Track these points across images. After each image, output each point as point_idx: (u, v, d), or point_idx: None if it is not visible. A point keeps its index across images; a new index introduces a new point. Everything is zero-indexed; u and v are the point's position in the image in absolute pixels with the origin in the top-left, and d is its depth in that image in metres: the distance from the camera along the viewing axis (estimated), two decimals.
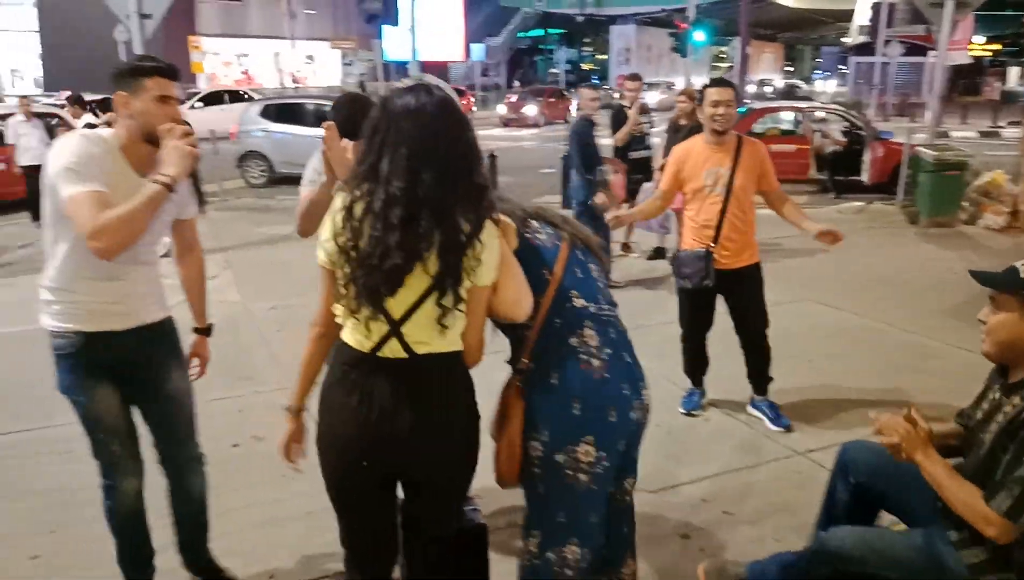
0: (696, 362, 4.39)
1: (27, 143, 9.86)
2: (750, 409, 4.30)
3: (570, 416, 2.03)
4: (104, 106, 8.65)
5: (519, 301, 2.02)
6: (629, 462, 2.27)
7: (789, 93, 37.83)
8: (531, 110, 30.10)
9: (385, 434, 1.88)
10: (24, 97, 10.83)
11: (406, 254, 1.77)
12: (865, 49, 35.79)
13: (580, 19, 53.54)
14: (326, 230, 1.87)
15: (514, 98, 31.65)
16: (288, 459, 2.17)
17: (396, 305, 1.84)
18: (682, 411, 4.34)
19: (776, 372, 4.42)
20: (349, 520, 2.09)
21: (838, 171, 12.52)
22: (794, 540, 3.09)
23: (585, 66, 68.95)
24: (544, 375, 2.06)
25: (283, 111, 13.70)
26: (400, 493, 2.12)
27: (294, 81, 36.26)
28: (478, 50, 49.98)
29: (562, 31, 63.41)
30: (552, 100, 31.53)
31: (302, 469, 2.19)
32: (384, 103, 1.86)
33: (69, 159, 2.22)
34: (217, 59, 38.97)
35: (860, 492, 2.50)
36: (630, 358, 2.17)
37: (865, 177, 11.92)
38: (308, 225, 2.68)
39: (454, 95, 1.93)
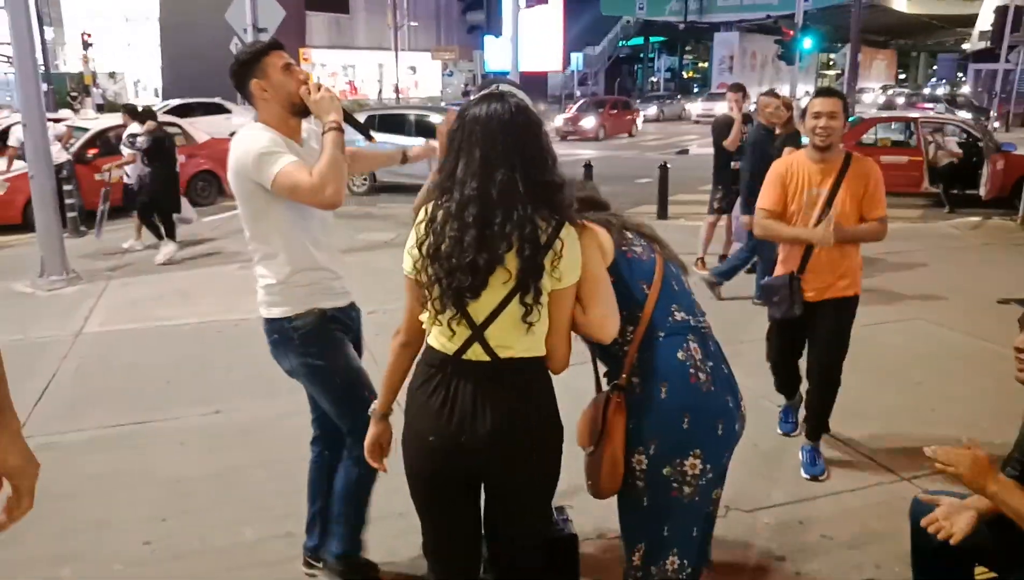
0: (788, 379, 4.11)
1: None
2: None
3: (680, 430, 2.03)
4: (143, 117, 9.17)
5: (605, 323, 2.03)
6: (724, 473, 2.26)
7: (952, 100, 30.51)
8: (589, 122, 27.18)
9: (466, 437, 1.92)
10: (147, 108, 11.48)
11: (484, 252, 1.82)
12: (986, 55, 33.88)
13: (681, 27, 52.77)
14: (412, 237, 1.94)
15: (574, 109, 28.82)
16: (374, 460, 2.23)
17: (480, 309, 1.89)
18: (779, 433, 4.19)
19: (884, 392, 4.24)
20: (430, 523, 2.13)
21: (953, 184, 11.89)
22: (895, 569, 2.97)
23: (686, 74, 67.96)
24: (651, 389, 2.05)
25: (385, 121, 14.07)
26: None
27: (396, 92, 37.17)
28: (577, 59, 50.03)
29: (663, 39, 62.70)
30: (615, 111, 28.62)
31: (387, 468, 2.25)
32: (461, 112, 1.94)
33: (257, 149, 2.44)
34: (324, 70, 40.45)
35: (945, 549, 2.19)
36: (727, 370, 2.17)
37: (982, 191, 11.27)
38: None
39: (528, 100, 1.99)
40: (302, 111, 2.56)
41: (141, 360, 5.49)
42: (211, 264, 8.41)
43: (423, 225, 1.91)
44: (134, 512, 3.48)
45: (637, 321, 2.06)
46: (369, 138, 2.96)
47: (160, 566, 3.10)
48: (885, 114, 17.78)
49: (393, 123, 13.94)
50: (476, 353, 1.92)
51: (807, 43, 22.60)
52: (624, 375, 2.08)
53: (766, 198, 3.65)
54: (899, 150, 12.40)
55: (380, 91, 39.41)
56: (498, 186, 1.83)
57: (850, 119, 14.90)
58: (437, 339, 1.96)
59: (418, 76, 45.12)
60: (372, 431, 2.21)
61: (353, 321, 2.82)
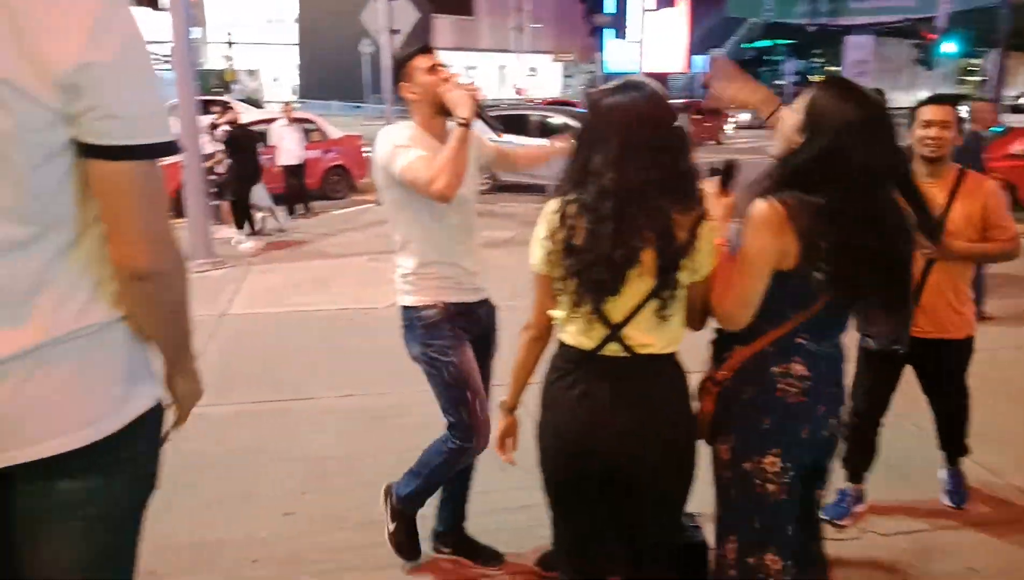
0: (861, 448, 3.37)
1: (288, 145, 11.02)
2: (940, 472, 3.61)
3: (758, 429, 2.02)
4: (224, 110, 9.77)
5: (730, 320, 1.99)
6: (819, 475, 2.22)
7: None
8: None
9: (603, 431, 1.93)
10: (287, 103, 12.13)
11: (621, 247, 1.80)
12: None
13: (811, 29, 50.89)
14: (541, 232, 1.94)
15: None
16: (502, 452, 2.28)
17: (617, 305, 1.88)
18: (823, 517, 2.89)
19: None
20: (561, 519, 2.14)
21: None
22: None
23: (814, 78, 65.39)
24: (740, 389, 2.05)
25: (508, 121, 14.24)
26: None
27: (516, 92, 37.57)
28: (700, 61, 49.08)
29: (791, 41, 60.62)
30: (698, 117, 26.45)
31: (516, 461, 2.29)
32: (594, 104, 1.91)
33: (394, 142, 2.61)
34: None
35: None
36: (837, 388, 2.10)
37: None
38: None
39: (661, 89, 1.96)
40: (446, 110, 2.64)
41: (280, 342, 5.81)
42: (343, 255, 8.77)
43: (556, 216, 1.89)
44: (276, 485, 3.70)
45: (764, 334, 2.00)
46: (498, 134, 2.99)
47: (300, 537, 3.28)
48: None
49: (516, 123, 14.10)
50: (613, 349, 1.92)
51: (950, 47, 21.37)
52: (723, 372, 2.06)
53: None
54: None
55: (498, 92, 39.83)
56: (636, 178, 1.81)
57: (997, 128, 14.01)
58: (573, 336, 1.96)
59: (538, 77, 45.40)
60: (500, 425, 2.26)
61: (482, 318, 2.89)
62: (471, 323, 2.83)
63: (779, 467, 2.02)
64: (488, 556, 3.10)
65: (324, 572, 3.04)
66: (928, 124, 3.12)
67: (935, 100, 3.25)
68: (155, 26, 8.59)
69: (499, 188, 13.79)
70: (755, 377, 2.03)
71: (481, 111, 2.62)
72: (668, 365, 1.99)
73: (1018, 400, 4.73)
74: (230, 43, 34.78)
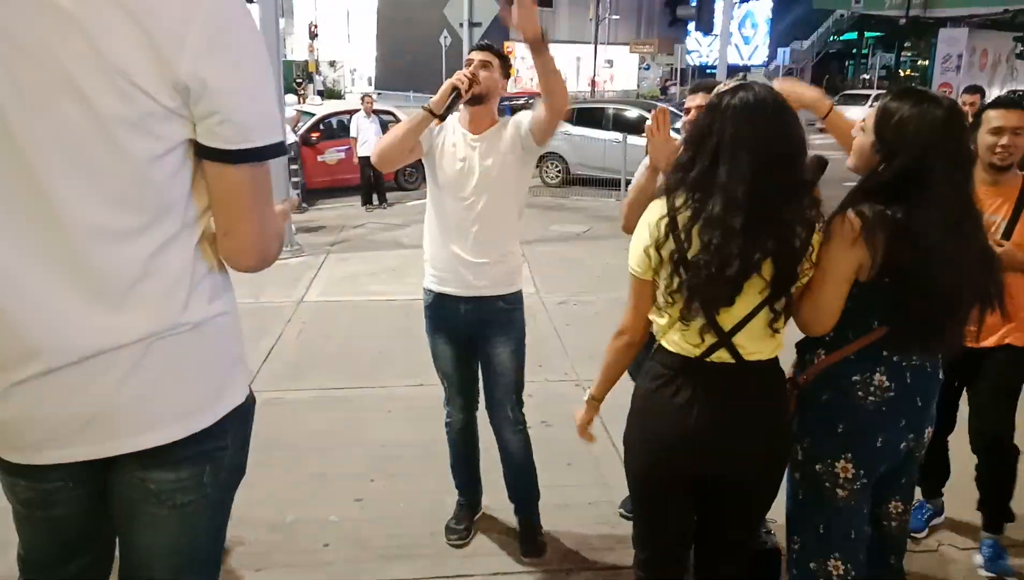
0: (930, 466, 3.12)
1: (366, 136, 11.24)
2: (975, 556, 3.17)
3: (833, 433, 2.01)
4: None
5: (809, 327, 1.98)
6: (897, 486, 2.16)
7: None
8: None
9: (713, 439, 1.92)
10: (367, 95, 12.36)
11: (746, 262, 1.76)
12: None
13: (902, 21, 48.94)
14: (643, 237, 1.90)
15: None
16: (586, 437, 2.32)
17: (728, 315, 1.85)
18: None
19: None
20: (651, 519, 2.15)
21: None
22: None
23: (903, 72, 63.01)
24: (818, 391, 2.03)
25: (582, 114, 14.19)
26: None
27: (592, 85, 37.34)
28: (783, 54, 47.83)
29: (879, 34, 58.48)
30: None
31: (595, 438, 2.38)
32: (714, 105, 1.84)
33: None
34: (524, 63, 41.30)
35: None
36: (923, 402, 2.03)
37: None
38: (632, 217, 2.80)
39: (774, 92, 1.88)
40: (470, 100, 2.74)
41: (355, 329, 5.96)
42: (417, 245, 8.82)
43: (663, 223, 1.84)
44: (348, 470, 3.80)
45: (850, 342, 1.98)
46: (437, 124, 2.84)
47: (369, 523, 3.37)
48: None
49: (590, 116, 14.05)
50: (721, 356, 1.90)
51: None
52: (804, 376, 2.05)
53: None
54: None
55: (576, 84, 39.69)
56: (768, 191, 1.76)
57: None
58: (676, 343, 1.93)
59: (614, 69, 45.00)
60: (585, 415, 2.29)
61: (464, 315, 2.92)
62: (454, 315, 2.93)
63: (851, 473, 2.00)
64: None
65: (390, 558, 3.12)
66: (999, 130, 2.86)
67: (1004, 103, 2.96)
68: None
69: (571, 181, 13.78)
70: (834, 382, 2.01)
71: (455, 98, 2.68)
72: (774, 371, 1.97)
73: None
74: (313, 34, 35.55)
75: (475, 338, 2.97)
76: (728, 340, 1.87)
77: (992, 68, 49.17)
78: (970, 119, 6.76)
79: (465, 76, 2.71)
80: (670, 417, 1.95)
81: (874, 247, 1.82)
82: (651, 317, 1.99)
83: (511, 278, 2.96)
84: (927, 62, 56.79)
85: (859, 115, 2.26)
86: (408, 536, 3.26)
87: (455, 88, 2.69)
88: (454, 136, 2.84)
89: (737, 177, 1.75)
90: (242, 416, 1.48)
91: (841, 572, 2.08)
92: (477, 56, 2.81)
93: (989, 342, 2.92)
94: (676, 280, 1.83)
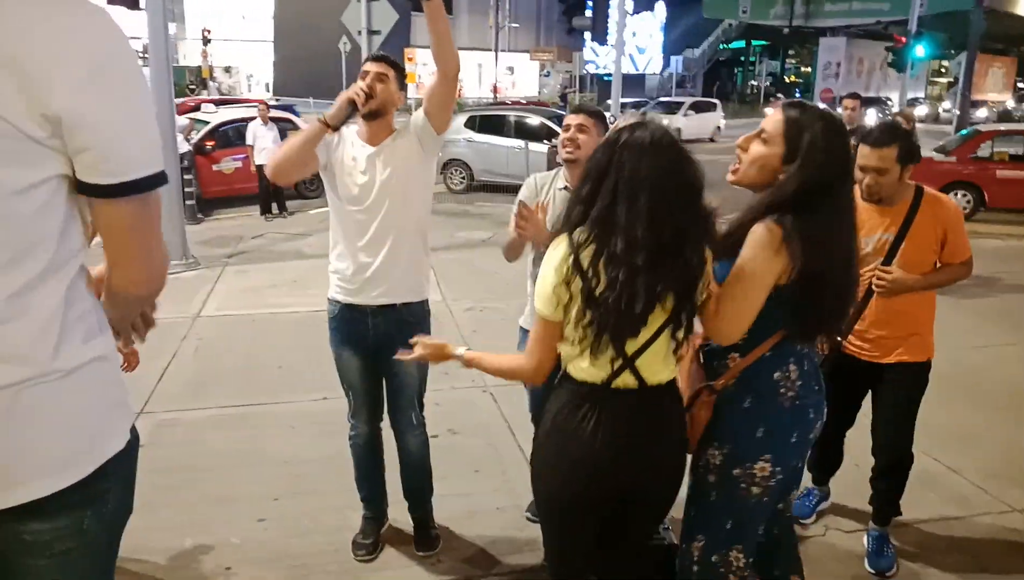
0: (824, 455, 3.39)
1: (263, 144, 10.97)
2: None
3: (753, 438, 2.09)
4: None
5: (740, 328, 2.03)
6: (798, 475, 2.33)
7: None
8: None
9: (623, 461, 1.97)
10: (263, 102, 12.06)
11: (650, 296, 1.83)
12: None
13: (786, 31, 51.34)
14: (550, 278, 1.91)
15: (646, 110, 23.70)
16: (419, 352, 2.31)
17: (632, 343, 1.91)
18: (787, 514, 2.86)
19: (994, 421, 4.06)
20: (560, 536, 2.18)
21: None
22: None
23: (788, 79, 66.03)
24: (739, 396, 2.11)
25: (485, 122, 14.28)
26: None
27: (494, 92, 37.57)
28: (676, 62, 49.41)
29: (765, 43, 61.15)
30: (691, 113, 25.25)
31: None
32: (612, 142, 1.89)
33: None
34: (426, 69, 41.20)
35: None
36: (818, 386, 2.19)
37: None
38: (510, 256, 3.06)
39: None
40: (367, 115, 2.76)
41: (255, 344, 5.80)
42: (319, 255, 8.71)
43: (568, 263, 1.87)
44: (250, 490, 3.70)
45: (761, 344, 2.08)
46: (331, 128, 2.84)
47: (274, 543, 3.29)
48: (1003, 126, 16.89)
49: (493, 124, 14.15)
50: (625, 381, 1.94)
51: (920, 50, 21.64)
52: (722, 381, 2.11)
53: None
54: (1017, 165, 11.79)
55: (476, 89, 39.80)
56: (668, 230, 1.82)
57: (963, 132, 14.16)
58: (585, 370, 1.96)
59: (515, 76, 45.41)
60: (444, 354, 2.27)
61: (373, 325, 2.92)
62: (361, 326, 2.93)
63: (768, 472, 2.10)
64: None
65: (297, 578, 3.05)
66: (863, 169, 2.87)
67: (869, 140, 2.90)
68: (131, 23, 8.49)
69: (475, 188, 13.84)
70: (755, 384, 2.10)
71: (351, 111, 2.72)
72: (673, 393, 2.05)
73: (981, 402, 4.84)
74: (207, 40, 34.40)
75: (382, 348, 2.94)
76: (632, 365, 1.93)
77: (868, 75, 52.17)
78: (850, 124, 7.17)
79: (362, 90, 2.70)
80: (580, 442, 1.97)
81: (794, 254, 1.92)
82: (560, 347, 2.00)
83: (419, 287, 2.98)
84: (810, 69, 59.77)
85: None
86: (315, 554, 3.20)
87: (352, 102, 2.69)
88: (353, 149, 2.83)
89: (635, 216, 1.80)
90: (125, 457, 1.41)
91: (741, 564, 2.18)
92: (373, 68, 2.79)
93: (889, 359, 3.03)
94: (587, 316, 1.87)
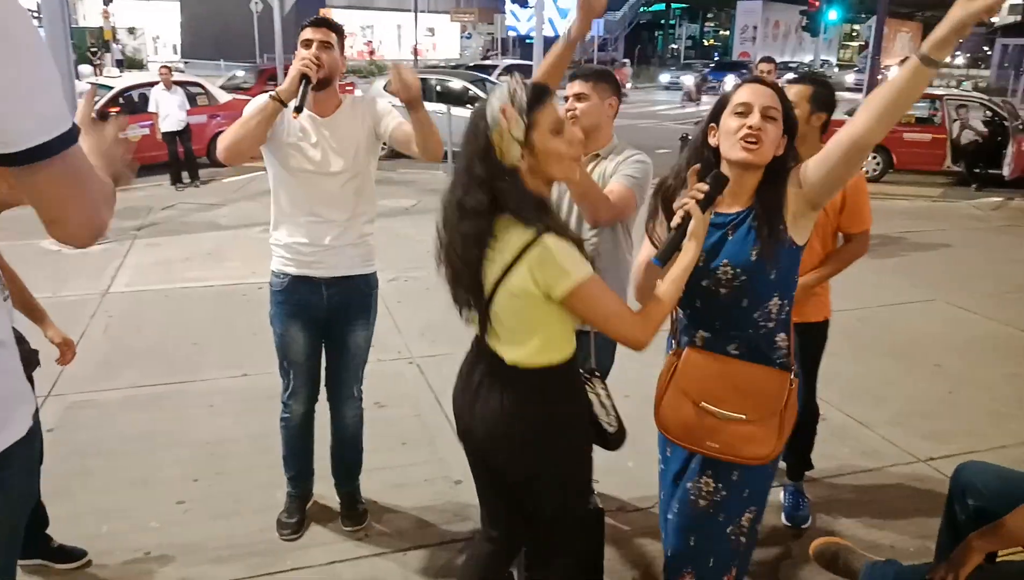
0: None
1: (167, 110, 10.50)
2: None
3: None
4: None
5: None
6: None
7: None
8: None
9: (464, 420, 2.08)
10: (165, 67, 11.49)
11: (448, 265, 1.94)
12: (1015, 30, 33.24)
13: None
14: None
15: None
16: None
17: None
18: None
19: (901, 374, 4.25)
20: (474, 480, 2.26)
21: (976, 163, 11.80)
22: (911, 549, 3.03)
23: (707, 42, 67.00)
24: None
25: None
26: None
27: (415, 54, 36.87)
28: (597, 25, 49.43)
29: (684, 6, 61.81)
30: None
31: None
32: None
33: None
34: (345, 30, 40.14)
35: (981, 518, 2.31)
36: None
37: (1006, 171, 11.18)
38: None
39: (503, 97, 1.81)
40: (316, 85, 2.66)
41: (169, 321, 5.59)
42: (235, 226, 8.48)
43: None
44: (168, 472, 3.58)
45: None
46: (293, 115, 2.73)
47: (195, 526, 3.20)
48: None
49: None
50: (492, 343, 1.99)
51: (832, 15, 22.30)
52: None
53: None
54: (923, 128, 12.28)
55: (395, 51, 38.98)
56: (450, 199, 1.88)
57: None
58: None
59: (436, 38, 44.70)
60: None
61: (327, 297, 2.88)
62: (314, 298, 2.87)
63: (712, 487, 2.17)
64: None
65: (221, 560, 2.98)
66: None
67: (787, 80, 2.92)
68: None
69: (397, 154, 13.58)
70: None
71: (306, 86, 2.60)
72: (521, 373, 1.95)
73: (887, 356, 5.06)
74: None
75: (333, 322, 2.92)
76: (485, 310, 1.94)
77: (784, 39, 53.38)
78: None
79: (311, 61, 2.60)
80: (457, 389, 2.13)
81: None
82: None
83: (370, 258, 2.95)
84: (728, 32, 60.74)
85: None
86: (239, 536, 3.12)
87: (304, 75, 2.58)
88: (300, 120, 2.73)
89: (452, 187, 1.90)
90: (26, 445, 1.36)
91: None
92: (316, 36, 2.68)
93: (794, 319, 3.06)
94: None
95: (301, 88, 2.58)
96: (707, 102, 27.84)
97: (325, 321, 2.92)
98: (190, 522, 3.22)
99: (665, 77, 38.39)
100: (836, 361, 4.30)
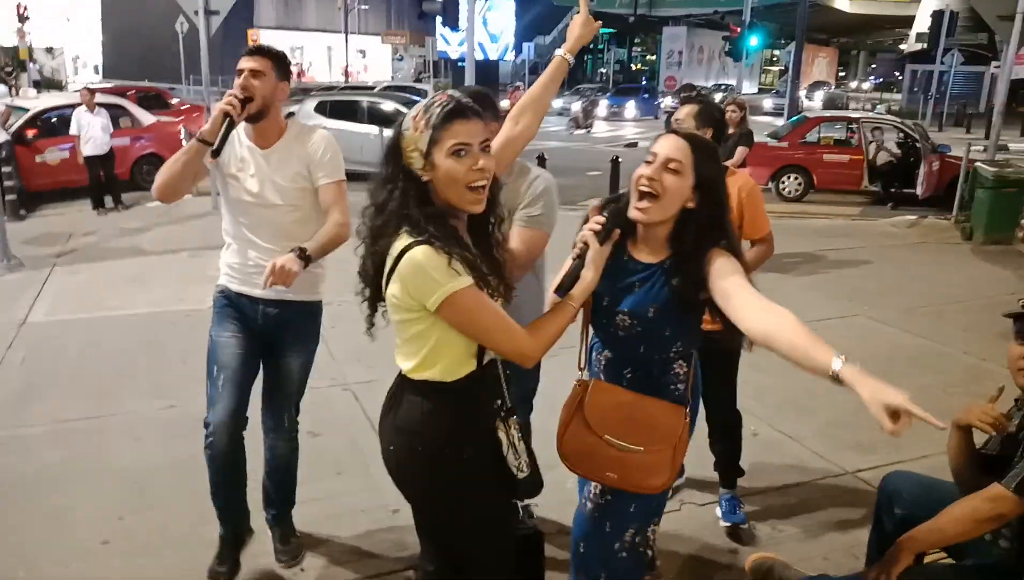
0: None
1: (90, 133, 10.16)
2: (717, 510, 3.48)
3: None
4: None
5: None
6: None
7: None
8: None
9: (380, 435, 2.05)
10: (87, 89, 11.15)
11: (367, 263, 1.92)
12: (922, 57, 35.03)
13: (631, 19, 53.20)
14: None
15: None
16: None
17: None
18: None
19: (827, 388, 4.32)
20: None
21: (892, 183, 12.35)
22: (843, 560, 3.11)
23: (635, 67, 68.52)
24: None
25: (336, 107, 13.90)
26: None
27: (345, 75, 36.66)
28: (528, 48, 50.07)
29: (612, 31, 63.13)
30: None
31: None
32: None
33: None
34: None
35: (907, 525, 2.38)
36: None
37: (919, 190, 11.73)
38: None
39: (424, 105, 1.86)
40: (249, 118, 2.65)
41: (91, 351, 5.38)
42: (161, 251, 8.21)
43: None
44: (90, 509, 3.44)
45: None
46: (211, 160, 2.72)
47: (120, 566, 3.07)
48: (828, 113, 18.26)
49: (345, 109, 13.78)
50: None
51: (753, 40, 23.02)
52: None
53: None
54: (841, 149, 12.80)
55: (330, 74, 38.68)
56: (374, 194, 1.87)
57: (792, 119, 15.14)
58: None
59: (368, 60, 44.54)
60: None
61: (264, 317, 2.86)
62: (251, 313, 2.85)
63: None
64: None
65: None
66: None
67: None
68: None
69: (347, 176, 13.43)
70: None
71: (228, 127, 2.56)
72: (412, 386, 1.94)
73: None
74: (22, 17, 31.42)
75: (269, 342, 2.88)
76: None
77: (708, 63, 55.04)
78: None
79: (236, 97, 2.56)
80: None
81: None
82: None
83: (315, 285, 2.90)
84: (655, 57, 62.31)
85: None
86: (167, 574, 3.01)
87: (227, 115, 2.53)
88: (240, 150, 2.71)
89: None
90: None
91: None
92: (246, 65, 2.63)
93: (707, 326, 3.13)
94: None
95: (222, 129, 2.53)
96: (603, 129, 28.16)
97: (261, 338, 2.87)
98: (114, 562, 3.10)
99: (557, 102, 38.09)
100: (762, 375, 4.42)
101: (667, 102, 32.45)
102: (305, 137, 2.78)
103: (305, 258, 2.54)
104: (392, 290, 1.83)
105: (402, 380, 1.97)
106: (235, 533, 3.00)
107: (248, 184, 2.71)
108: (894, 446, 4.11)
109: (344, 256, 2.00)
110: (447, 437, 1.92)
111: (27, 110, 11.42)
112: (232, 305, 2.86)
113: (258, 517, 3.15)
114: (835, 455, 4.06)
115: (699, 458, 3.70)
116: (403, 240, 1.79)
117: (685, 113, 3.17)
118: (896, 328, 6.22)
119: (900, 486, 2.55)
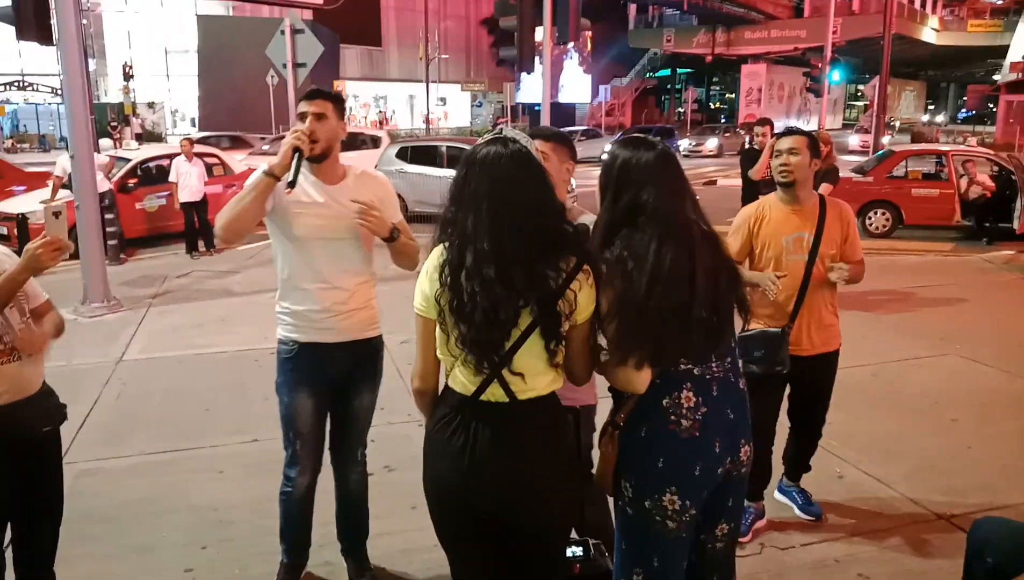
0: (757, 468, 3.05)
1: (187, 181, 10.72)
2: (777, 494, 3.78)
3: (655, 468, 2.07)
4: None
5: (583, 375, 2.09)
6: (724, 510, 2.22)
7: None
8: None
9: (485, 479, 1.95)
10: (188, 139, 11.81)
11: (504, 308, 1.85)
12: (1018, 87, 33.67)
13: (709, 59, 53.04)
14: (425, 284, 1.96)
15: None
16: None
17: (497, 354, 1.91)
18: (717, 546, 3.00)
19: (917, 429, 4.17)
20: (456, 560, 2.15)
21: (986, 217, 11.82)
22: None
23: (714, 105, 68.12)
24: (636, 427, 2.10)
25: (417, 153, 14.28)
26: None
27: (426, 122, 37.66)
28: (605, 91, 50.48)
29: (690, 70, 63.05)
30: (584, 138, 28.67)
31: None
32: (467, 157, 1.95)
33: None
34: (356, 101, 41.21)
35: (999, 576, 2.27)
36: (734, 414, 2.15)
37: (1016, 225, 11.18)
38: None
39: (530, 145, 1.98)
40: (313, 158, 2.72)
41: (180, 387, 5.61)
42: (248, 292, 8.55)
43: (437, 273, 1.92)
44: (175, 539, 3.56)
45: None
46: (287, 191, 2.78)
47: None
48: (916, 147, 17.70)
49: (425, 154, 14.15)
50: (495, 394, 1.94)
51: (835, 75, 22.63)
52: (622, 415, 2.12)
53: (732, 245, 3.30)
54: (930, 183, 12.36)
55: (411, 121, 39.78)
56: (511, 242, 1.85)
57: (878, 153, 14.74)
58: (459, 381, 1.97)
59: (448, 107, 45.66)
60: None
61: (340, 361, 2.88)
62: (324, 364, 2.86)
63: (678, 506, 2.07)
64: None
65: None
66: (778, 153, 3.35)
67: (784, 133, 3.45)
68: (49, 59, 8.23)
69: (410, 219, 13.74)
70: (647, 413, 2.08)
71: (299, 160, 2.63)
72: (550, 407, 2.01)
73: (902, 412, 4.99)
74: (128, 76, 33.61)
75: (340, 387, 2.93)
76: (499, 376, 1.92)
77: (788, 100, 54.21)
78: (764, 147, 7.45)
79: (304, 133, 2.65)
80: (449, 459, 1.98)
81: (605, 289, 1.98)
82: (439, 355, 2.01)
83: (375, 321, 2.98)
84: (733, 95, 61.82)
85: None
86: None
87: (296, 149, 2.62)
88: (306, 184, 2.75)
89: (479, 227, 1.86)
90: None
91: None
92: (310, 108, 2.72)
93: (820, 349, 3.40)
94: (450, 323, 1.90)
95: (294, 161, 2.61)
96: None
97: (332, 387, 2.92)
98: None
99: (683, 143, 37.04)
100: (851, 418, 4.27)
101: (684, 144, 32.74)
102: (368, 179, 2.88)
103: (393, 234, 2.68)
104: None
105: (536, 406, 1.97)
106: (297, 561, 3.16)
107: (316, 220, 2.76)
108: (988, 491, 3.90)
109: (409, 293, 2.03)
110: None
111: (129, 160, 12.15)
112: (301, 360, 2.86)
113: (333, 549, 3.19)
114: (927, 499, 3.86)
115: (778, 501, 3.59)
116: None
117: (794, 141, 3.32)
118: (990, 367, 5.90)
119: (991, 533, 2.40)
